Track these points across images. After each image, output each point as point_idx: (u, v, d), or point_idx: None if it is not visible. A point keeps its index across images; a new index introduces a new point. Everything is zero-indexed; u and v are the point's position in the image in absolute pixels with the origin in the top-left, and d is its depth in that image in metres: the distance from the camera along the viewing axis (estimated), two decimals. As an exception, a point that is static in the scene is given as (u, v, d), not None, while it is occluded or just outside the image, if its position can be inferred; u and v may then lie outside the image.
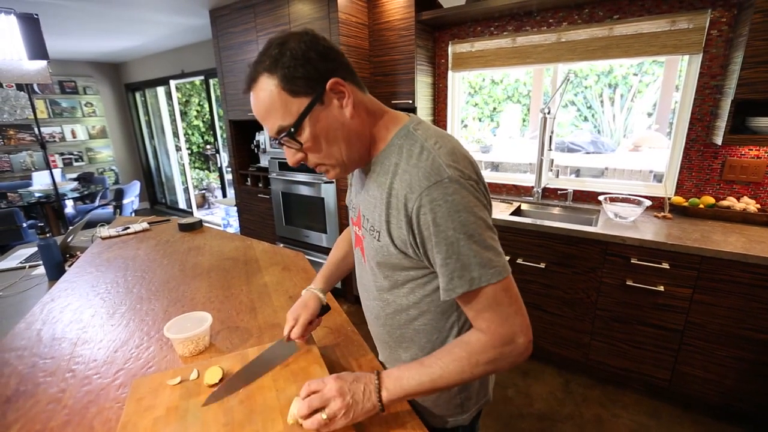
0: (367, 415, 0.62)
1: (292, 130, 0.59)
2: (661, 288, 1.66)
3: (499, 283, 0.58)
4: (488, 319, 0.59)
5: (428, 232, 0.58)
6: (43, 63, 2.65)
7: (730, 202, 1.85)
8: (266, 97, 0.58)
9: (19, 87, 3.92)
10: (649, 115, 5.59)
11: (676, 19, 1.83)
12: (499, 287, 0.58)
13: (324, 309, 0.87)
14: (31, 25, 2.48)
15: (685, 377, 1.71)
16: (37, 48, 2.53)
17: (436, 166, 0.57)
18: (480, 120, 6.55)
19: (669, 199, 2.01)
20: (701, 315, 1.62)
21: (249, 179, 3.34)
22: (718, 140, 1.74)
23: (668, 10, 1.85)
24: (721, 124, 1.72)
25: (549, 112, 2.21)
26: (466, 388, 0.77)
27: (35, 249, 1.81)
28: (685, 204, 1.95)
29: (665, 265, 1.63)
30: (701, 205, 1.90)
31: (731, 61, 1.71)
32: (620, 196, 2.06)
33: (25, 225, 3.19)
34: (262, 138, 3.13)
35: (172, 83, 4.96)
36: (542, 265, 1.92)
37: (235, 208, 3.59)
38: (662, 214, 1.96)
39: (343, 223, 2.64)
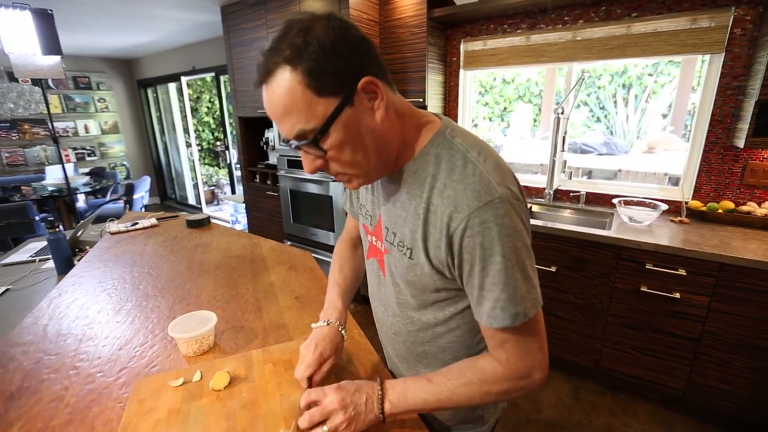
0: (368, 426, 0.60)
1: (318, 136, 0.50)
2: (677, 295, 1.61)
3: (532, 317, 0.54)
4: (509, 351, 0.56)
5: (471, 255, 0.53)
6: (57, 58, 2.67)
7: (751, 207, 1.79)
8: (285, 94, 0.48)
9: (34, 82, 3.98)
10: (664, 116, 5.47)
11: (697, 17, 1.77)
12: (530, 321, 0.54)
13: None
14: (46, 21, 2.50)
15: (700, 387, 1.66)
16: (51, 43, 2.55)
17: (485, 183, 0.52)
18: (490, 120, 6.49)
19: (686, 203, 1.95)
20: (719, 324, 1.56)
21: (258, 176, 3.34)
22: (740, 143, 1.68)
23: (689, 7, 1.79)
24: (744, 126, 1.66)
25: (563, 113, 2.16)
26: (487, 407, 0.74)
27: (46, 243, 1.82)
28: (703, 208, 1.89)
29: (682, 272, 1.58)
30: (720, 210, 1.84)
31: (755, 60, 1.65)
32: (635, 199, 2.00)
33: (37, 218, 3.23)
34: (272, 135, 3.12)
35: (184, 79, 4.99)
36: (553, 269, 1.88)
37: (244, 204, 3.59)
38: (679, 218, 1.90)
39: (350, 222, 2.62)
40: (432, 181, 0.56)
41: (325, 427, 0.57)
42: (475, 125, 2.77)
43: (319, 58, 0.47)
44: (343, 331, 0.76)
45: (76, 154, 5.38)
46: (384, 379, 0.63)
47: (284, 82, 0.48)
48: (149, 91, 5.76)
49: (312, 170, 0.55)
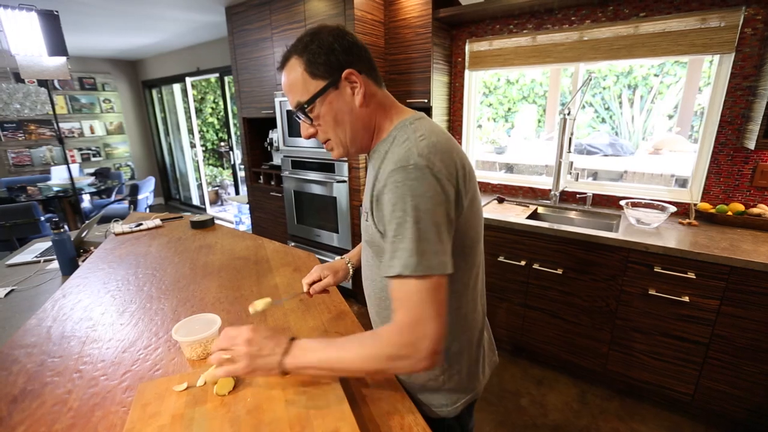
0: (267, 373, 0.66)
1: (305, 106, 0.67)
2: (686, 299, 1.58)
3: (428, 280, 0.58)
4: (403, 312, 0.59)
5: (384, 210, 0.62)
6: (62, 59, 2.69)
7: (762, 209, 1.76)
8: (292, 75, 0.67)
9: (40, 83, 4.00)
10: (670, 117, 5.42)
11: (707, 17, 1.75)
12: (426, 284, 0.58)
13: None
14: (52, 22, 2.52)
15: (710, 392, 1.63)
16: (57, 44, 2.56)
17: (408, 154, 0.61)
18: (495, 120, 6.46)
19: (695, 205, 1.92)
20: (729, 328, 1.54)
21: (262, 177, 3.33)
22: (751, 144, 1.65)
23: (698, 7, 1.77)
24: (754, 127, 1.63)
25: (569, 114, 2.14)
26: (450, 377, 0.77)
27: (51, 243, 1.83)
28: (713, 211, 1.86)
29: (691, 275, 1.55)
30: (729, 213, 1.81)
31: (767, 61, 1.62)
32: (643, 201, 1.98)
33: (42, 218, 3.24)
34: (276, 136, 3.12)
35: (188, 80, 5.00)
36: (559, 271, 1.86)
37: (248, 205, 3.59)
38: (687, 220, 1.88)
39: (355, 223, 2.61)
40: (384, 155, 0.68)
41: (226, 354, 0.67)
42: (480, 126, 2.75)
43: (316, 53, 0.66)
44: (349, 264, 1.01)
45: (82, 154, 5.41)
46: (299, 338, 0.69)
47: (293, 67, 0.68)
48: (154, 92, 5.79)
49: (306, 136, 0.73)
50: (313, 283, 0.97)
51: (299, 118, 0.71)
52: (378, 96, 0.71)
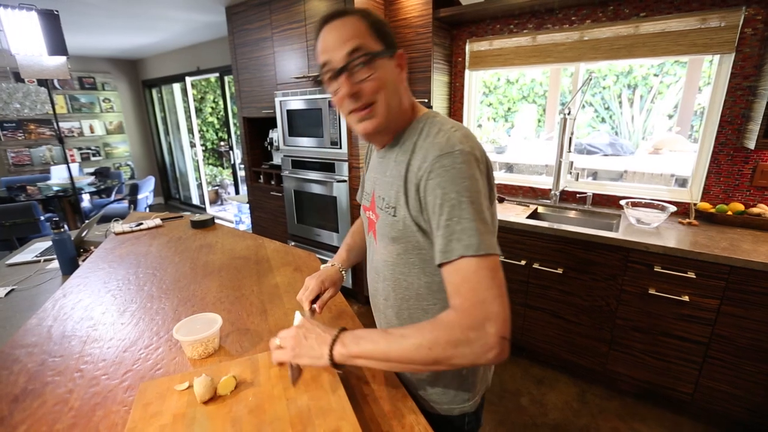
0: (314, 361, 0.64)
1: (375, 54, 0.63)
2: (686, 298, 1.58)
3: (488, 259, 0.56)
4: (464, 296, 0.56)
5: (434, 195, 0.60)
6: (62, 59, 2.68)
7: (761, 209, 1.76)
8: (355, 24, 0.63)
9: (40, 82, 4.00)
10: (670, 116, 5.43)
11: (707, 17, 1.75)
12: (487, 264, 0.55)
13: None
14: (52, 22, 2.51)
15: (710, 392, 1.64)
16: (57, 44, 2.56)
17: (451, 142, 0.61)
18: (494, 120, 6.46)
19: (695, 204, 1.93)
20: (729, 328, 1.54)
21: (262, 177, 3.33)
22: (751, 144, 1.65)
23: (699, 7, 1.77)
24: (754, 127, 1.63)
25: (569, 113, 2.14)
26: (473, 372, 0.78)
27: (51, 243, 1.83)
28: (712, 210, 1.86)
29: (691, 275, 1.56)
30: (729, 212, 1.82)
31: (767, 61, 1.62)
32: (643, 200, 1.98)
33: (42, 218, 3.24)
34: (276, 136, 3.12)
35: (188, 80, 5.00)
36: (560, 271, 1.86)
37: (248, 205, 3.59)
38: (687, 220, 1.88)
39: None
40: (413, 147, 0.67)
41: (276, 340, 0.70)
42: (480, 126, 2.75)
43: (379, 21, 0.66)
44: (342, 272, 0.95)
45: (81, 154, 5.40)
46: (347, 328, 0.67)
47: (354, 21, 0.64)
48: (154, 92, 5.78)
49: (348, 92, 0.64)
50: (315, 298, 0.88)
51: (351, 73, 0.64)
52: (406, 85, 0.73)
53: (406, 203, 0.67)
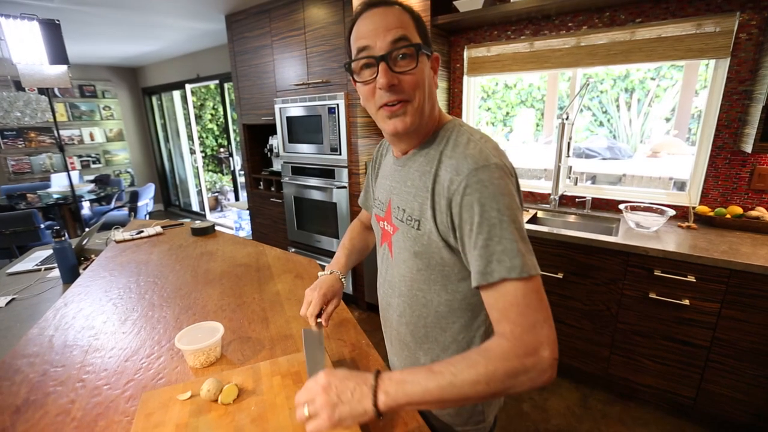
0: (357, 420, 0.54)
1: (421, 46, 0.61)
2: (687, 302, 1.59)
3: (533, 281, 0.53)
4: (514, 322, 0.53)
5: (470, 213, 0.56)
6: (63, 67, 2.70)
7: (760, 212, 1.77)
8: (400, 14, 0.61)
9: (41, 91, 4.02)
10: (667, 120, 5.45)
11: (702, 22, 1.77)
12: (532, 286, 0.53)
13: None
14: (53, 31, 2.53)
15: (712, 396, 1.63)
16: (58, 53, 2.58)
17: (484, 154, 0.58)
18: (493, 125, 6.49)
19: (693, 208, 1.93)
20: (730, 331, 1.54)
21: (261, 183, 3.34)
22: (748, 148, 1.66)
23: (694, 13, 1.79)
24: (751, 131, 1.65)
25: (567, 118, 2.16)
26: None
27: (51, 251, 1.83)
28: (711, 214, 1.87)
29: (691, 278, 1.56)
30: (728, 216, 1.82)
31: (762, 65, 1.64)
32: (641, 204, 1.99)
33: (42, 226, 3.24)
34: (275, 142, 3.13)
35: (188, 87, 5.03)
36: (560, 276, 1.86)
37: (248, 211, 3.60)
38: (686, 224, 1.88)
39: (354, 229, 2.61)
40: (440, 157, 0.64)
41: (305, 409, 0.55)
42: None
43: (421, 19, 0.65)
44: (342, 279, 0.90)
45: (81, 161, 5.42)
46: (381, 371, 0.58)
47: (400, 12, 0.62)
48: (154, 99, 5.81)
49: (386, 84, 0.60)
50: (320, 313, 0.83)
51: (392, 63, 0.60)
52: None
53: (433, 217, 0.62)
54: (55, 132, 3.03)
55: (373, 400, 0.53)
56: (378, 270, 0.83)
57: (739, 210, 1.82)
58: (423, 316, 0.71)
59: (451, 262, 0.64)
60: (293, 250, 3.11)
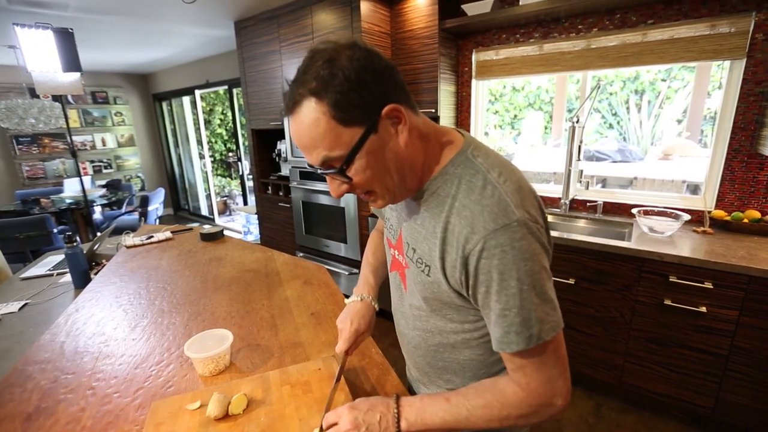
0: None
1: (344, 166, 0.52)
2: (704, 309, 1.54)
3: (552, 341, 0.53)
4: (529, 376, 0.55)
5: (487, 278, 0.52)
6: (76, 75, 2.75)
7: (779, 216, 1.72)
8: (312, 125, 0.50)
9: (55, 98, 4.10)
10: (679, 122, 5.37)
11: (716, 23, 1.74)
12: (551, 346, 0.54)
13: None
14: (66, 39, 2.58)
15: (731, 406, 1.58)
16: (72, 61, 2.62)
17: (503, 206, 0.52)
18: (501, 128, 6.46)
19: (709, 212, 1.89)
20: (749, 339, 1.49)
21: (270, 188, 3.36)
22: (766, 151, 1.62)
23: (708, 13, 1.75)
24: (769, 133, 1.61)
25: (578, 121, 2.13)
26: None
27: (63, 256, 1.85)
28: (728, 218, 1.83)
29: (708, 285, 1.52)
30: (745, 220, 1.78)
31: (779, 66, 1.60)
32: (655, 208, 1.95)
33: (55, 231, 3.29)
34: (284, 147, 3.15)
35: (197, 93, 5.08)
36: (571, 281, 1.83)
37: (256, 215, 3.61)
38: (702, 228, 1.84)
39: (363, 234, 2.61)
40: (452, 201, 0.56)
41: None
42: (486, 134, 2.75)
43: (344, 90, 0.48)
44: (374, 304, 0.83)
45: (93, 166, 5.50)
46: (401, 396, 0.63)
47: (310, 114, 0.49)
48: (164, 105, 5.89)
49: (339, 194, 0.58)
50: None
51: (327, 173, 0.55)
52: (419, 126, 0.57)
53: (442, 268, 0.57)
54: (68, 138, 3.08)
55: (396, 427, 0.59)
56: (391, 294, 0.79)
57: (757, 214, 1.77)
58: (440, 351, 0.69)
59: (465, 307, 0.61)
60: (301, 254, 3.11)
